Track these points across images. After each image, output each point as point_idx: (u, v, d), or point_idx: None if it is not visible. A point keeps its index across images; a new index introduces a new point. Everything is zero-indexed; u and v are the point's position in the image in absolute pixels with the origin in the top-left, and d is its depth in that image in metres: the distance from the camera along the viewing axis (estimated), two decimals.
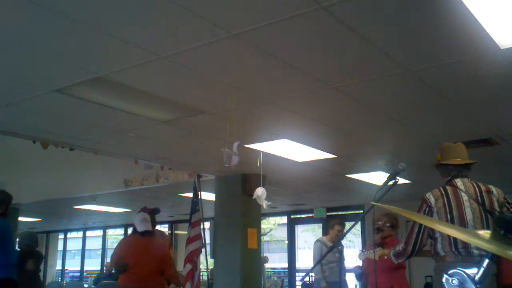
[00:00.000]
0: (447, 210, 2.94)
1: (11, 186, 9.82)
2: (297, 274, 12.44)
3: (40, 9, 2.57)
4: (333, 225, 6.37)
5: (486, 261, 1.50)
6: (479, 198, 2.96)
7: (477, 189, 3.01)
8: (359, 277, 4.83)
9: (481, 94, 3.91)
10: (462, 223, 2.90)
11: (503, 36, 2.86)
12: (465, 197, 2.96)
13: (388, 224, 4.71)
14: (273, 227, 19.89)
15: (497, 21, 2.69)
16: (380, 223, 4.72)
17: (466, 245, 2.83)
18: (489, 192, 3.01)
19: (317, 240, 6.58)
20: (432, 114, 4.42)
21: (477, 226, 2.90)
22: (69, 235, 17.42)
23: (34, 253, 5.81)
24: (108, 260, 14.98)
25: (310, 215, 11.76)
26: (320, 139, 5.22)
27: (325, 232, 9.56)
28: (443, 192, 3.01)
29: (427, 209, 3.00)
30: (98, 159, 6.79)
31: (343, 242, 5.03)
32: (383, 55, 3.14)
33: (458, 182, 3.04)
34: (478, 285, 1.44)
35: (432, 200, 2.99)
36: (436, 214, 2.95)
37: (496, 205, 2.96)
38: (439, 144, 3.32)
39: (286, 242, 12.78)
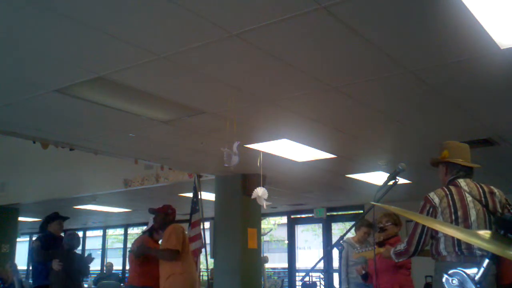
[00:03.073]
0: (452, 210, 2.91)
1: (11, 186, 9.87)
2: (297, 274, 12.44)
3: (40, 9, 2.57)
4: (360, 227, 6.20)
5: (486, 261, 1.50)
6: (483, 199, 2.95)
7: (480, 190, 2.99)
8: (365, 277, 4.73)
9: (481, 94, 3.91)
10: (466, 224, 2.88)
11: (503, 36, 2.86)
12: (469, 198, 2.93)
13: (389, 223, 4.64)
14: (273, 227, 19.87)
15: (497, 21, 2.69)
16: (381, 224, 4.65)
17: (469, 245, 2.82)
18: (492, 193, 3.00)
19: (343, 241, 6.37)
20: (432, 114, 4.42)
21: (480, 227, 2.89)
22: None
23: (63, 253, 5.75)
24: (109, 259, 15.01)
25: (310, 215, 11.76)
26: (320, 139, 5.22)
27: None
28: (448, 192, 2.98)
29: (431, 209, 2.96)
30: (98, 159, 6.79)
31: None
32: (383, 55, 3.14)
33: (462, 182, 3.02)
34: (478, 285, 1.44)
35: (437, 200, 2.96)
36: (440, 214, 2.92)
37: (498, 206, 2.95)
38: (441, 143, 3.28)
39: (286, 242, 12.78)
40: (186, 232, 7.17)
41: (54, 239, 5.85)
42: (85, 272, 6.10)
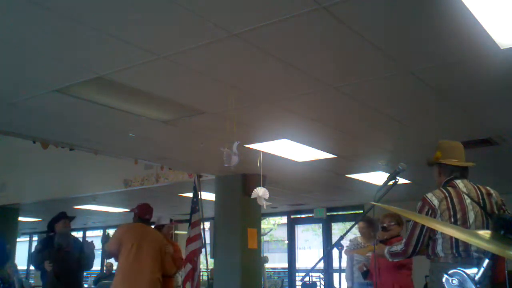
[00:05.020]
0: (451, 213, 2.89)
1: (11, 186, 9.87)
2: (297, 274, 12.44)
3: (40, 9, 2.57)
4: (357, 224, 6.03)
5: (486, 261, 1.50)
6: (481, 201, 2.94)
7: (478, 192, 2.98)
8: (365, 275, 4.72)
9: (481, 94, 3.91)
10: (465, 226, 2.86)
11: (503, 36, 2.86)
12: (468, 200, 2.91)
13: (393, 223, 4.62)
14: (273, 227, 19.88)
15: (497, 21, 2.69)
16: (385, 224, 4.63)
17: (467, 247, 2.81)
18: (489, 195, 2.98)
19: (350, 240, 6.24)
20: (432, 114, 4.42)
21: (478, 229, 2.88)
22: None
23: (53, 253, 5.65)
24: (108, 260, 14.98)
25: (310, 215, 11.76)
26: (320, 139, 5.22)
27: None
28: (447, 194, 2.95)
29: (430, 211, 2.92)
30: (98, 159, 6.79)
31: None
32: (383, 55, 3.14)
33: (460, 184, 2.99)
34: (478, 285, 1.44)
35: (436, 202, 2.93)
36: (439, 216, 2.90)
37: (495, 208, 2.95)
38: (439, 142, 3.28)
39: (286, 242, 12.78)
40: (186, 232, 7.21)
41: (53, 240, 5.71)
42: (86, 266, 5.77)
